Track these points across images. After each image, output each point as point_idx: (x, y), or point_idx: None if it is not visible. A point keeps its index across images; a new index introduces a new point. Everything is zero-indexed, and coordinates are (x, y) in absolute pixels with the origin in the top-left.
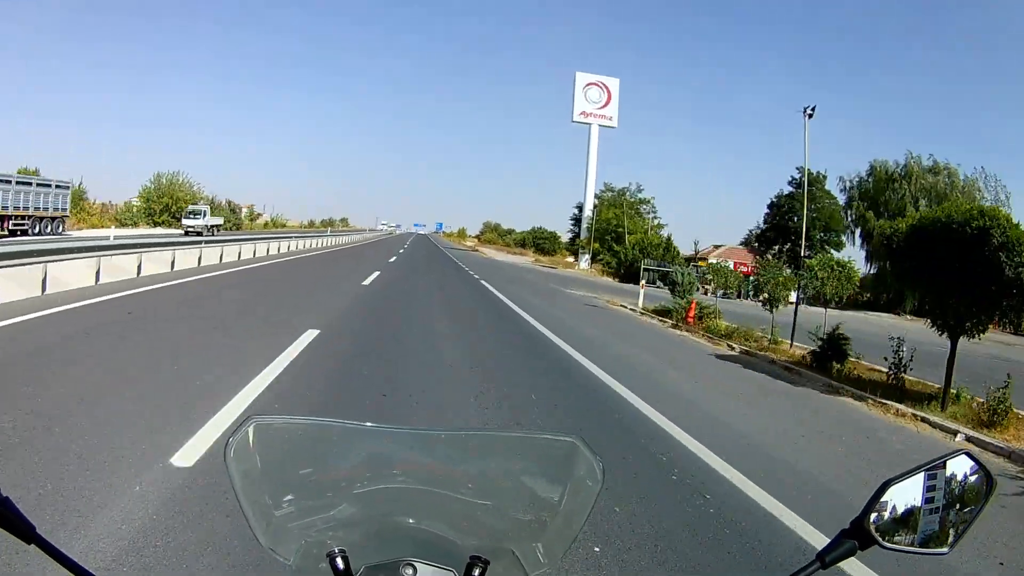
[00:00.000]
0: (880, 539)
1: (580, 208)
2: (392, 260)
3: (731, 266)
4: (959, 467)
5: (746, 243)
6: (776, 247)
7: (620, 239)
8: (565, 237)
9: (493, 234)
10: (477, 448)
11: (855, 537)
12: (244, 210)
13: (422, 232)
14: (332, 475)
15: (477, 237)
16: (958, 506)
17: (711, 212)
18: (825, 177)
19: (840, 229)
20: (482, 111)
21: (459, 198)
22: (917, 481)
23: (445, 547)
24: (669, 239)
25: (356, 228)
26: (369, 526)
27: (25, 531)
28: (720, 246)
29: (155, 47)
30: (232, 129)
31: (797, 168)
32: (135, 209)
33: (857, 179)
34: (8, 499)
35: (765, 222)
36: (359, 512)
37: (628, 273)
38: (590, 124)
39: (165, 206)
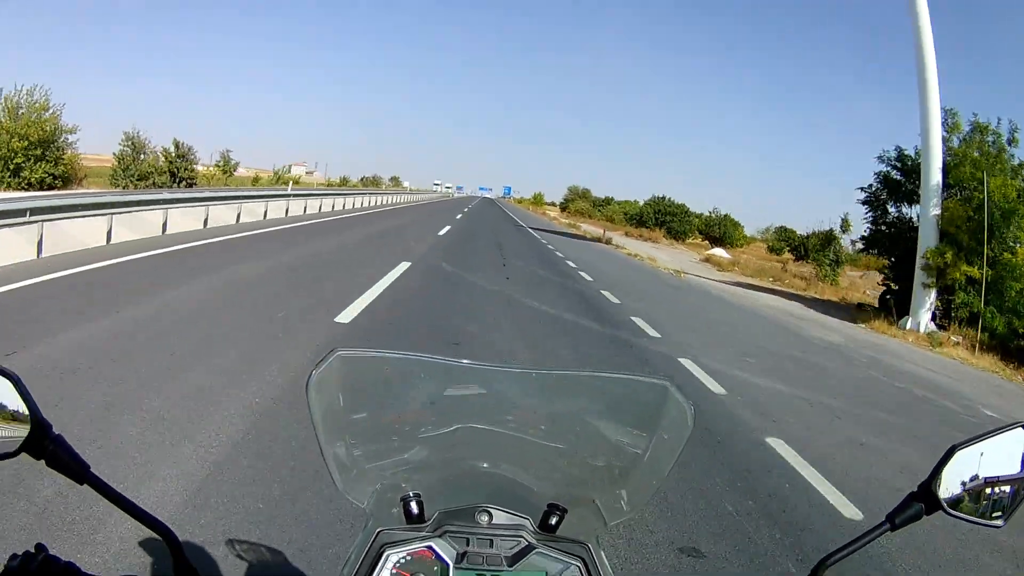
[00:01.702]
0: (944, 505)
1: (896, 161)
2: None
3: None
4: (1016, 440)
5: None
6: None
7: (984, 245)
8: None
9: (583, 202)
10: (564, 388)
11: (923, 501)
12: (214, 157)
13: (488, 196)
14: (412, 414)
15: (562, 207)
16: (1012, 479)
17: None
18: None
19: None
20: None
21: (532, 161)
22: (979, 449)
23: (522, 494)
24: None
25: (403, 188)
26: (445, 470)
27: (78, 471)
28: None
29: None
30: (289, 90)
31: None
32: None
33: None
34: (61, 436)
35: None
36: (435, 456)
37: None
38: None
39: None
